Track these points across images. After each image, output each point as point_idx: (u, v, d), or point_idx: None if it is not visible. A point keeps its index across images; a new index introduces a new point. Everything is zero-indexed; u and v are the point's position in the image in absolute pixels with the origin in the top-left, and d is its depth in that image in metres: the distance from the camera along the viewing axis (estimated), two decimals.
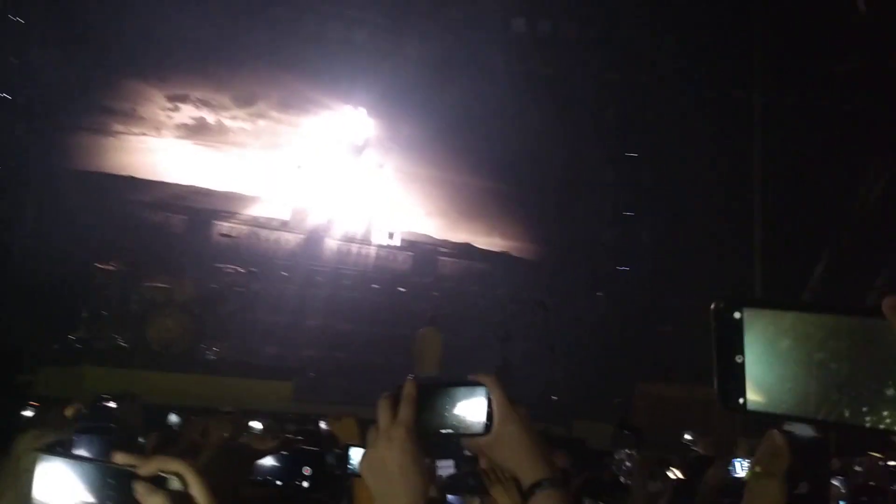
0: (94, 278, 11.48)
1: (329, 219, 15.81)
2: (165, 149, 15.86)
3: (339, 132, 16.55)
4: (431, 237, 17.29)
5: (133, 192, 14.28)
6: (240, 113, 16.86)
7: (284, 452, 1.77)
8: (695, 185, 15.08)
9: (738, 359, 0.73)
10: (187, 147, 16.23)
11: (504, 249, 17.77)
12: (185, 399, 8.80)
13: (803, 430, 1.43)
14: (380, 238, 16.17)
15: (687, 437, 8.33)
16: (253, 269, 12.55)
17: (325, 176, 16.02)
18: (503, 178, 16.42)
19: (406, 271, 16.42)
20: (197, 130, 16.58)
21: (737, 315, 0.73)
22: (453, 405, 1.39)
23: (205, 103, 16.64)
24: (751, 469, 1.53)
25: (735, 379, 0.74)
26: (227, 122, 16.80)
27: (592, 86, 16.35)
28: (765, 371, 0.73)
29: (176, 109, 16.42)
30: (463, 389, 1.39)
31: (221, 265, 12.53)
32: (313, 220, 15.68)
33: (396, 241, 16.33)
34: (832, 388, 0.70)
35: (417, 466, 1.32)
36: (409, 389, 1.35)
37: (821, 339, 0.70)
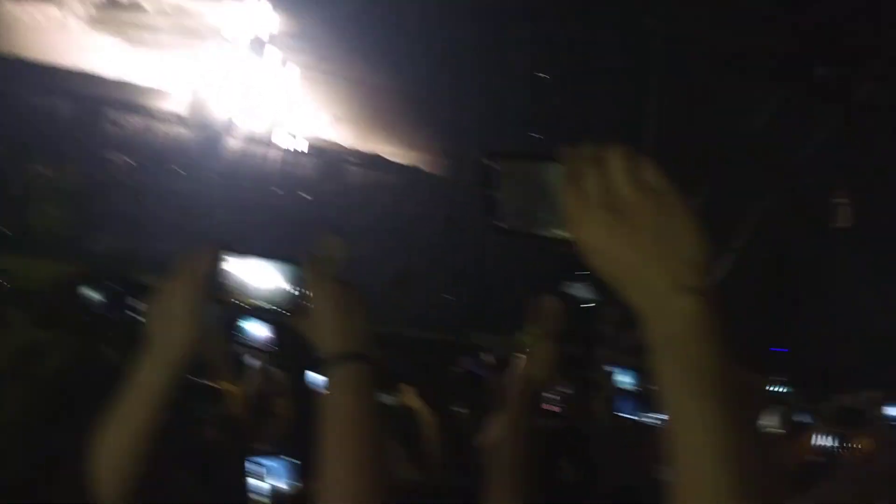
0: None
1: (228, 116, 15.21)
2: (55, 28, 14.87)
3: (240, 23, 15.77)
4: (339, 144, 16.92)
5: (18, 73, 13.44)
6: None
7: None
8: (593, 111, 15.20)
9: (494, 194, 0.97)
10: (82, 28, 15.24)
11: (415, 163, 17.58)
12: None
13: (579, 293, 1.49)
14: (283, 141, 15.70)
15: None
16: (144, 162, 12.05)
17: (225, 70, 15.32)
18: (416, 81, 16.06)
19: (311, 178, 16.07)
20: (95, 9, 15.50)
21: (491, 162, 0.98)
22: (270, 280, 1.43)
23: None
24: (527, 331, 1.68)
25: (493, 208, 0.98)
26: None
27: None
28: (508, 201, 0.97)
29: None
30: (280, 265, 1.43)
31: (110, 155, 11.99)
32: (211, 117, 15.05)
33: (301, 146, 15.91)
34: (546, 211, 0.93)
35: (196, 317, 1.42)
36: (209, 246, 1.46)
37: (537, 177, 0.95)
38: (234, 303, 1.43)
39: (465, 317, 13.28)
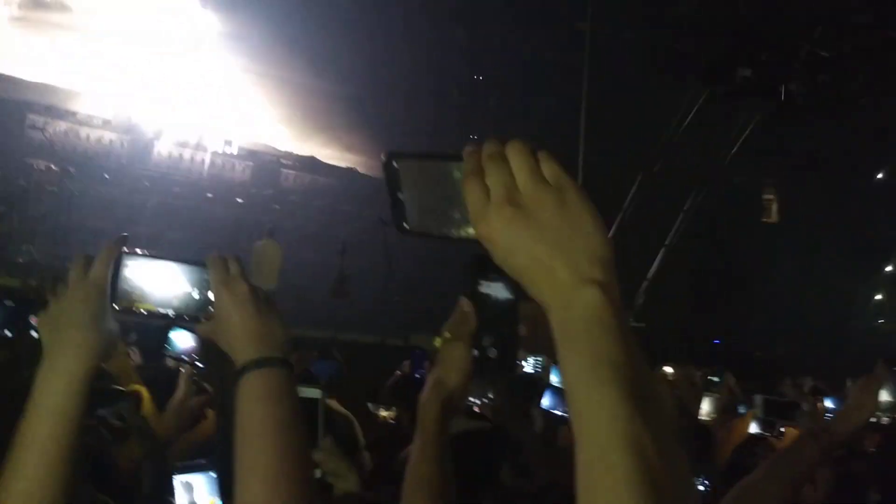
0: None
1: (159, 120, 14.81)
2: None
3: (173, 23, 15.34)
4: (274, 147, 16.68)
5: None
6: None
7: None
8: (528, 108, 15.38)
9: (400, 195, 0.96)
10: (2, 28, 14.58)
11: (351, 165, 17.46)
12: None
13: (498, 293, 1.40)
14: (216, 145, 15.38)
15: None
16: (69, 168, 11.63)
17: (157, 72, 14.91)
18: (353, 83, 15.93)
19: (245, 182, 15.80)
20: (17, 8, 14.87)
21: (395, 164, 0.96)
22: (174, 284, 1.32)
23: None
24: (440, 335, 1.55)
25: (399, 210, 0.96)
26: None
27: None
28: (413, 202, 0.97)
29: None
30: (185, 268, 1.33)
31: (32, 161, 11.56)
32: (141, 121, 14.64)
33: (234, 150, 15.61)
34: (451, 210, 0.94)
35: (104, 322, 1.30)
36: (107, 247, 1.32)
37: (441, 177, 0.95)
38: (136, 310, 1.32)
39: (406, 319, 13.24)
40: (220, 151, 15.43)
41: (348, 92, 16.11)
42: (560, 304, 0.83)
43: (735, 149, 12.66)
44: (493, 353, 1.44)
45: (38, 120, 13.32)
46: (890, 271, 15.03)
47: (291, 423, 1.25)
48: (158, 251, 1.36)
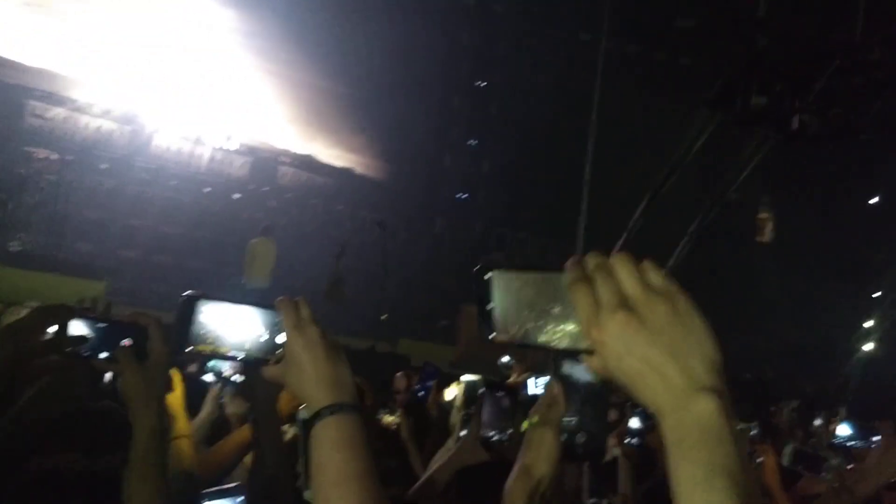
0: None
1: (159, 111, 14.68)
2: None
3: (185, 17, 15.19)
4: (272, 145, 16.60)
5: None
6: None
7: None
8: (536, 120, 15.38)
9: (489, 306, 0.99)
10: (6, 12, 14.31)
11: (348, 165, 17.40)
12: None
13: (581, 375, 1.39)
14: (216, 140, 15.27)
15: (503, 360, 8.56)
16: (68, 157, 11.55)
17: (163, 65, 14.74)
18: (355, 84, 15.86)
19: (242, 178, 15.72)
20: None
21: (487, 276, 1.00)
22: (245, 327, 1.35)
23: None
24: (529, 419, 1.52)
25: (488, 319, 1.00)
26: None
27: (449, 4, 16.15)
28: (502, 312, 0.99)
29: None
30: (256, 311, 1.35)
31: (31, 149, 11.46)
32: (141, 111, 14.51)
33: (234, 145, 15.51)
34: (546, 321, 0.94)
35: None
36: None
37: (536, 287, 0.97)
38: (206, 353, 1.34)
39: (396, 323, 13.20)
40: (220, 147, 15.31)
41: (354, 93, 16.08)
42: (674, 409, 0.84)
43: (745, 173, 12.70)
44: (581, 438, 1.38)
45: (39, 106, 13.18)
46: (879, 296, 15.14)
47: (368, 469, 1.25)
48: (230, 295, 1.39)
